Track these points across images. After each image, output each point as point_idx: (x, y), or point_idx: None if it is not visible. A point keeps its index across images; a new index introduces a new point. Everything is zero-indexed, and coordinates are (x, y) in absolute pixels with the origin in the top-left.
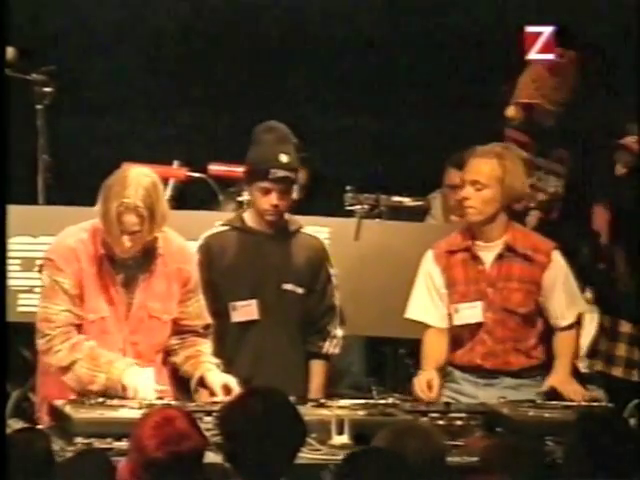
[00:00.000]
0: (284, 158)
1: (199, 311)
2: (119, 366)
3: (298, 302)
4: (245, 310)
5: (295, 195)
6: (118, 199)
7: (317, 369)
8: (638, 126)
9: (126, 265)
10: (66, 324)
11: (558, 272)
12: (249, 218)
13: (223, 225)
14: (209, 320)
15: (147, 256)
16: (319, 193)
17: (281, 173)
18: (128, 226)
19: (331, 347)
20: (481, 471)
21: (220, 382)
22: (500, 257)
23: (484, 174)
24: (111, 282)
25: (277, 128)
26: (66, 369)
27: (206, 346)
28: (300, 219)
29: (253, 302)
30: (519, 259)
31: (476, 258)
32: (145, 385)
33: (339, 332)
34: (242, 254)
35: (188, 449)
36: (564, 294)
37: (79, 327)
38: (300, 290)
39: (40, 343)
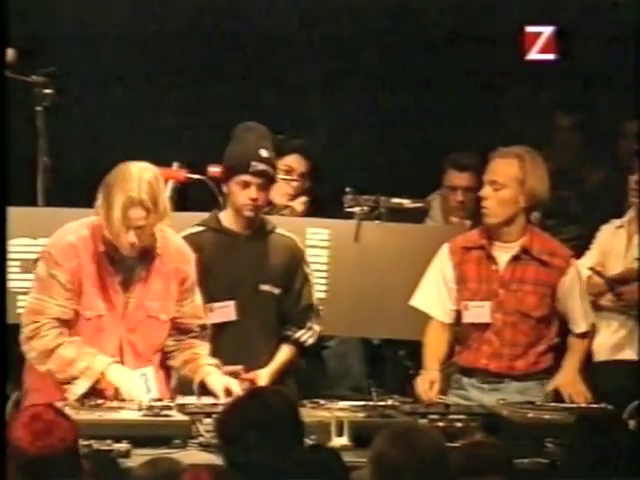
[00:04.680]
0: (264, 153)
1: (195, 311)
2: (101, 359)
3: (274, 302)
4: (223, 311)
5: (300, 209)
6: (123, 194)
7: (282, 351)
8: (638, 126)
9: (125, 264)
10: (58, 317)
11: (575, 279)
12: (225, 219)
13: (199, 225)
14: (205, 320)
15: (145, 255)
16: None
17: (261, 166)
18: (134, 221)
19: (305, 336)
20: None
21: (221, 385)
22: (515, 259)
23: (502, 174)
24: (109, 281)
25: (257, 127)
26: (50, 352)
27: (203, 348)
28: (301, 220)
29: (231, 303)
30: (535, 263)
31: (490, 257)
32: (134, 385)
33: (317, 327)
34: (219, 255)
35: (58, 439)
36: (580, 302)
37: (74, 325)
38: (277, 291)
39: (26, 330)
